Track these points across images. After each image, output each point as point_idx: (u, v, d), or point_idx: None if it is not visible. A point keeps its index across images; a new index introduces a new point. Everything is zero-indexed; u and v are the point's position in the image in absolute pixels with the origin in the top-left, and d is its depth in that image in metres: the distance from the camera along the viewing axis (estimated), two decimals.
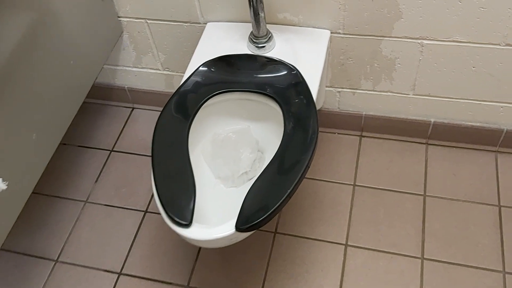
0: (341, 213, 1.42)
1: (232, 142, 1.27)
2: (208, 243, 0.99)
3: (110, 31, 1.47)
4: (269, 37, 1.27)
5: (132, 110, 1.76)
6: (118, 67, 1.63)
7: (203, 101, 1.17)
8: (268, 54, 1.27)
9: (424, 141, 1.54)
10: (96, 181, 1.57)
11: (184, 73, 1.56)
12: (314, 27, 1.32)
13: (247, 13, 1.24)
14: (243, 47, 1.29)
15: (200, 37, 1.39)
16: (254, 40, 1.27)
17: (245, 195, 1.00)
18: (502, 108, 1.38)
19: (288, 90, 1.16)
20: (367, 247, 1.35)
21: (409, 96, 1.43)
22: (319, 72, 1.22)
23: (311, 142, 1.07)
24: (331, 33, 1.31)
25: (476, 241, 1.33)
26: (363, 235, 1.37)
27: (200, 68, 1.22)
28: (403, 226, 1.38)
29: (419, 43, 1.28)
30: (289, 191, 0.99)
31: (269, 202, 0.98)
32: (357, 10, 1.24)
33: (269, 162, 1.04)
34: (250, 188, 1.00)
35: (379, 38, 1.29)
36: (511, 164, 1.47)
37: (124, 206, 1.50)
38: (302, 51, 1.27)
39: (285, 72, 1.19)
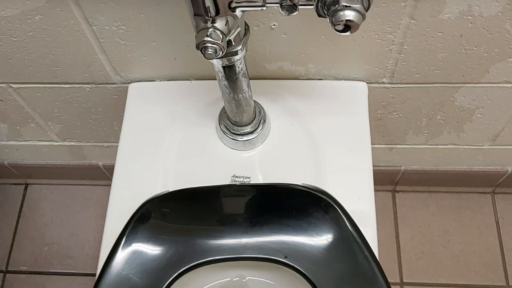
0: None
1: None
2: None
3: None
4: (260, 119, 0.65)
5: (26, 186, 1.10)
6: None
7: None
8: (260, 151, 0.66)
9: (489, 190, 1.03)
10: None
11: (101, 141, 0.94)
12: (335, 79, 0.70)
13: (202, 66, 0.62)
14: (208, 136, 0.67)
15: (117, 99, 0.76)
16: (232, 131, 0.65)
17: None
18: None
19: (330, 258, 0.58)
20: None
21: (483, 147, 0.88)
22: (370, 193, 0.64)
23: None
24: (368, 83, 0.70)
25: None
26: None
27: (138, 225, 0.59)
28: None
29: None
30: None
31: None
32: (425, 51, 0.63)
33: None
34: None
35: (456, 85, 0.71)
36: None
37: None
38: (322, 134, 0.66)
39: (314, 210, 0.59)
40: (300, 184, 0.60)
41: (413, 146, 0.88)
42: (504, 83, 0.70)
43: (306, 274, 0.57)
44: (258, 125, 0.65)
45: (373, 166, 0.98)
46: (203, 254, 0.58)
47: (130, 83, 0.72)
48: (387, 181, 1.02)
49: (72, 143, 0.93)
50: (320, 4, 0.43)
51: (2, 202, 1.08)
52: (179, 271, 0.58)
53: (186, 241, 0.59)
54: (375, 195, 1.06)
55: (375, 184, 1.06)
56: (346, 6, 0.41)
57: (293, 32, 0.61)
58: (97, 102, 0.78)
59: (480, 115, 0.78)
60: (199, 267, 0.58)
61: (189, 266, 0.58)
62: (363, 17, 0.42)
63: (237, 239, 0.59)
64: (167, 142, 0.68)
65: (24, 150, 0.96)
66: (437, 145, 0.88)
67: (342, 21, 0.41)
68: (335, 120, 0.67)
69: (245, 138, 0.65)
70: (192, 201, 0.60)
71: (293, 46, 0.64)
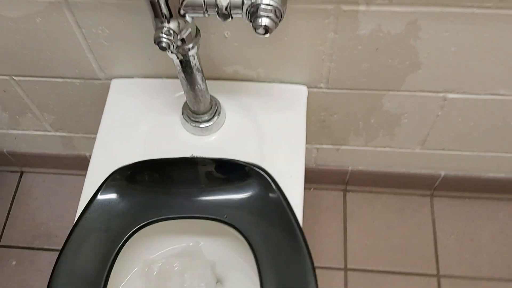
0: None
1: (175, 275, 0.84)
2: None
3: None
4: (216, 110, 0.80)
5: (21, 174, 1.24)
6: None
7: (121, 244, 0.71)
8: (217, 137, 0.80)
9: (428, 192, 1.16)
10: None
11: (89, 133, 1.08)
12: (282, 82, 0.85)
13: (172, 67, 0.76)
14: (174, 124, 0.81)
15: (102, 94, 0.90)
16: (192, 118, 0.80)
17: None
18: None
19: (261, 216, 0.72)
20: None
21: (415, 151, 1.02)
22: (300, 173, 0.78)
23: None
24: (309, 88, 0.85)
25: None
26: None
27: (109, 186, 0.73)
28: None
29: (441, 96, 0.85)
30: None
31: None
32: (350, 61, 0.78)
33: None
34: None
35: (381, 92, 0.86)
36: None
37: None
38: (267, 125, 0.81)
39: (253, 183, 0.73)
40: (242, 160, 0.74)
41: (356, 147, 1.03)
42: (419, 91, 0.84)
43: (240, 229, 0.70)
44: (214, 115, 0.80)
45: (324, 165, 1.13)
46: (159, 212, 0.72)
47: (112, 79, 0.87)
48: (339, 180, 1.16)
49: (64, 134, 1.07)
50: (246, 13, 0.58)
51: None
52: (138, 226, 0.71)
53: (146, 201, 0.73)
54: (329, 194, 1.21)
55: (328, 183, 1.20)
56: (262, 15, 0.56)
57: (243, 41, 0.76)
58: (85, 96, 0.93)
59: (406, 120, 0.92)
60: (156, 223, 0.72)
61: (147, 222, 0.71)
62: (276, 24, 0.57)
63: (189, 201, 0.72)
64: (140, 129, 0.82)
65: (21, 139, 1.11)
66: (375, 147, 1.02)
67: (260, 26, 0.56)
68: (279, 116, 0.82)
69: (203, 125, 0.79)
70: (154, 169, 0.74)
71: (244, 53, 0.79)
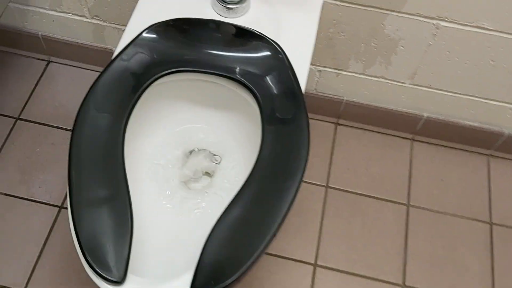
0: (310, 223, 1.16)
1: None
2: None
3: None
4: None
5: (48, 63, 1.35)
6: (29, 8, 1.21)
7: (146, 84, 0.83)
8: (240, 20, 0.93)
9: (410, 136, 1.30)
10: None
11: (121, 24, 1.20)
12: None
13: None
14: (205, 5, 0.94)
15: None
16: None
17: (206, 235, 0.70)
18: None
19: (268, 79, 0.84)
20: (340, 268, 1.12)
21: (405, 85, 1.16)
22: (308, 55, 0.91)
23: (299, 165, 0.78)
24: None
25: (465, 266, 1.14)
26: (336, 253, 1.13)
27: (144, 35, 0.85)
28: (382, 244, 1.15)
29: (434, 24, 0.99)
30: (269, 236, 0.71)
31: (241, 253, 0.69)
32: None
33: (239, 191, 0.74)
34: (213, 228, 0.70)
35: (385, 12, 0.99)
36: (504, 171, 1.27)
37: (32, 198, 1.15)
38: (286, 20, 0.94)
39: (267, 52, 0.86)
40: (262, 32, 0.87)
41: (354, 74, 1.16)
42: (417, 16, 0.98)
43: (251, 86, 0.83)
44: (242, 0, 0.93)
45: (323, 93, 1.26)
46: (183, 63, 0.84)
47: None
48: (333, 112, 1.28)
49: (98, 22, 1.19)
50: None
51: (25, 70, 1.33)
52: (160, 74, 0.83)
53: (174, 49, 0.85)
54: (322, 125, 1.33)
55: (323, 114, 1.33)
56: None
57: None
58: None
59: (402, 47, 1.06)
60: (175, 74, 0.84)
61: (168, 71, 0.84)
62: None
63: (210, 58, 0.85)
64: (176, 4, 0.95)
65: (59, 22, 1.23)
66: (371, 76, 1.15)
67: None
68: (297, 14, 0.95)
69: (231, 5, 0.92)
70: (184, 26, 0.87)
71: None
